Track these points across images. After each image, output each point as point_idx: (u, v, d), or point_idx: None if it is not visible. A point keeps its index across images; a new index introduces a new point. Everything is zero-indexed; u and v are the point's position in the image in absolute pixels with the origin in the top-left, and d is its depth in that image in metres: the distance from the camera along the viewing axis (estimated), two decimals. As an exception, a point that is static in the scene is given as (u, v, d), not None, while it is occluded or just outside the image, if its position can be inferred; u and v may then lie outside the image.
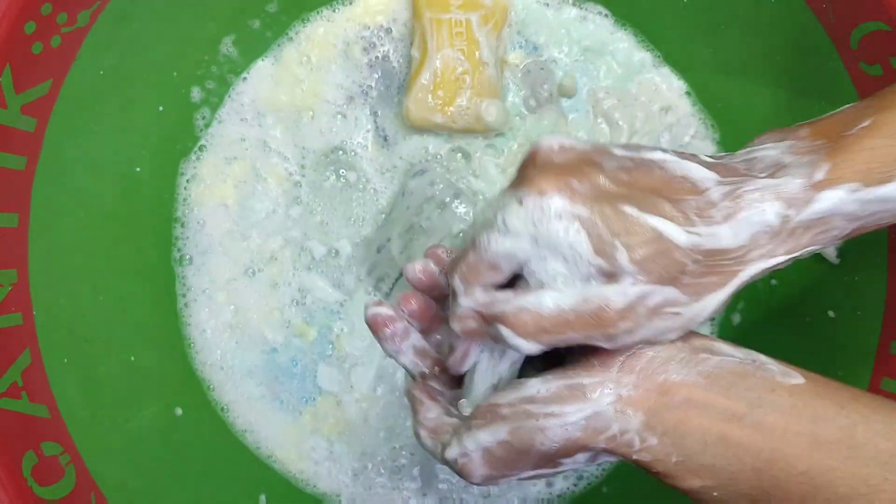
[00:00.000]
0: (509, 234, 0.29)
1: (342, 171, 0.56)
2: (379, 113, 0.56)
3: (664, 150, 0.31)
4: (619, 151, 0.31)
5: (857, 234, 0.31)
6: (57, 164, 0.45)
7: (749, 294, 0.54)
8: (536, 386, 0.31)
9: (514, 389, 0.31)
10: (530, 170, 0.30)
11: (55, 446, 0.43)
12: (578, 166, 0.30)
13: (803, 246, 0.30)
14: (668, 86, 0.56)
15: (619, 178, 0.30)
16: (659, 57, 0.56)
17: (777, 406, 0.29)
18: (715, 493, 0.29)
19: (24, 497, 0.40)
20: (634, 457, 0.30)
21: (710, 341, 0.31)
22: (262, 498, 0.53)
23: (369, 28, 0.57)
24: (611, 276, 0.29)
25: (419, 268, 0.37)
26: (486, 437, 0.31)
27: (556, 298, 0.29)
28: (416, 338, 0.37)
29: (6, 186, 0.43)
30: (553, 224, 0.29)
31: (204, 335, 0.55)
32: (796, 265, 0.51)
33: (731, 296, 0.30)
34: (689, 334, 0.31)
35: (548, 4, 0.57)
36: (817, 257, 0.49)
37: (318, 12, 0.57)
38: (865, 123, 0.30)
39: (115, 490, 0.45)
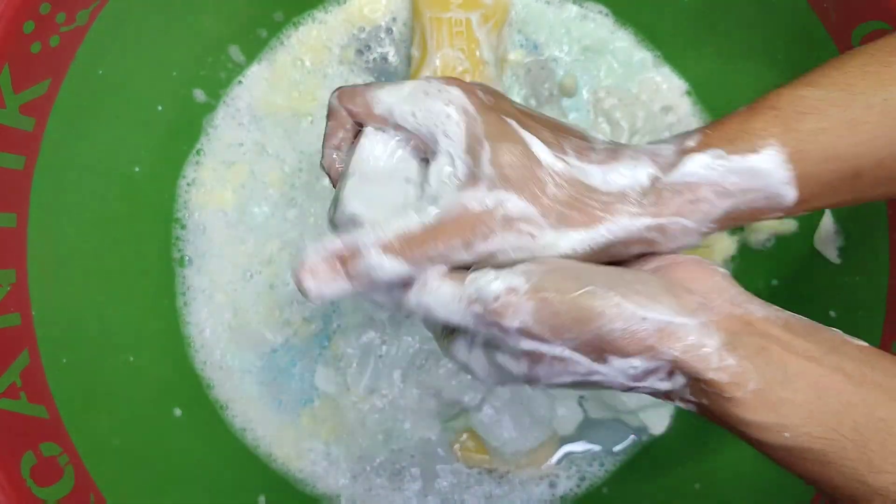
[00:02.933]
0: (399, 94, 0.31)
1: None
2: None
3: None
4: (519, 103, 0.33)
5: (732, 221, 0.31)
6: (56, 164, 0.45)
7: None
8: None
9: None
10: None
11: (54, 447, 0.43)
12: (490, 91, 0.32)
13: (672, 212, 0.30)
14: (668, 85, 0.56)
15: (520, 109, 0.32)
16: (659, 56, 0.56)
17: (851, 356, 0.28)
18: (786, 434, 0.27)
19: (23, 497, 0.40)
20: (710, 375, 0.27)
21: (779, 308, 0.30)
22: (262, 499, 0.53)
23: (365, 29, 0.56)
24: (473, 178, 0.29)
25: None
26: (551, 280, 0.28)
27: (419, 211, 0.30)
28: None
29: (5, 186, 0.43)
30: (440, 105, 0.30)
31: (203, 335, 0.55)
32: (797, 265, 0.51)
33: (595, 246, 0.30)
34: (760, 301, 0.30)
35: (548, 3, 0.56)
36: (818, 257, 0.49)
37: (308, 14, 0.56)
38: (744, 107, 0.31)
39: (114, 490, 0.45)
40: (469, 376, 0.54)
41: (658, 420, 0.54)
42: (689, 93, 0.56)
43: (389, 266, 0.29)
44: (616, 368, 0.28)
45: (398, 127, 0.32)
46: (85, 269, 0.49)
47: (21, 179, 0.44)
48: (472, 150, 0.30)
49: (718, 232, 0.31)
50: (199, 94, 0.55)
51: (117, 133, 0.50)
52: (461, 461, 0.55)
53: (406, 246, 0.29)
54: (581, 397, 0.55)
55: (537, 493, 0.55)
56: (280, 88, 0.56)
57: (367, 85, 0.33)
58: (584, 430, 0.55)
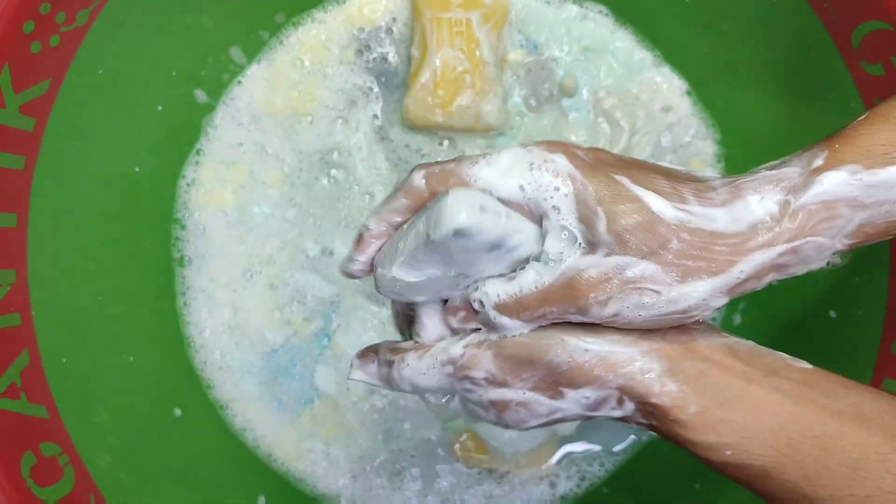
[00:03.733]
0: (498, 167, 0.30)
1: (334, 171, 0.56)
2: (379, 114, 0.56)
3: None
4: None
5: (865, 235, 0.30)
6: (56, 164, 0.45)
7: (749, 294, 0.54)
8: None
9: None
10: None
11: (54, 447, 0.43)
12: (589, 148, 0.31)
13: (807, 234, 0.29)
14: (668, 85, 0.56)
15: (624, 160, 0.30)
16: (659, 56, 0.56)
17: (791, 377, 0.29)
18: (728, 453, 0.29)
19: (23, 497, 0.40)
20: (653, 399, 0.29)
21: (727, 334, 0.31)
22: (262, 499, 0.53)
23: (365, 29, 0.56)
24: (591, 245, 0.29)
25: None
26: (508, 324, 0.30)
27: (535, 273, 0.30)
28: None
29: (4, 186, 0.43)
30: (548, 178, 0.29)
31: (203, 335, 0.55)
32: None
33: (726, 291, 0.29)
34: (708, 326, 0.31)
35: (548, 3, 0.56)
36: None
37: (308, 14, 0.56)
38: (862, 117, 0.30)
39: (113, 490, 0.45)
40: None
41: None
42: (689, 93, 0.56)
43: (510, 324, 0.30)
44: (572, 401, 0.30)
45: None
46: (85, 269, 0.49)
47: (21, 179, 0.44)
48: (586, 219, 0.29)
49: (847, 251, 0.30)
50: (200, 95, 0.55)
51: (117, 133, 0.50)
52: (461, 461, 0.55)
53: (520, 307, 0.30)
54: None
55: (537, 493, 0.55)
56: (280, 89, 0.56)
57: (456, 162, 0.31)
58: (584, 430, 0.55)
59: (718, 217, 0.29)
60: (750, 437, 0.29)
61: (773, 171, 0.29)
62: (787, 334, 0.50)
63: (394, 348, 0.33)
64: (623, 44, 0.56)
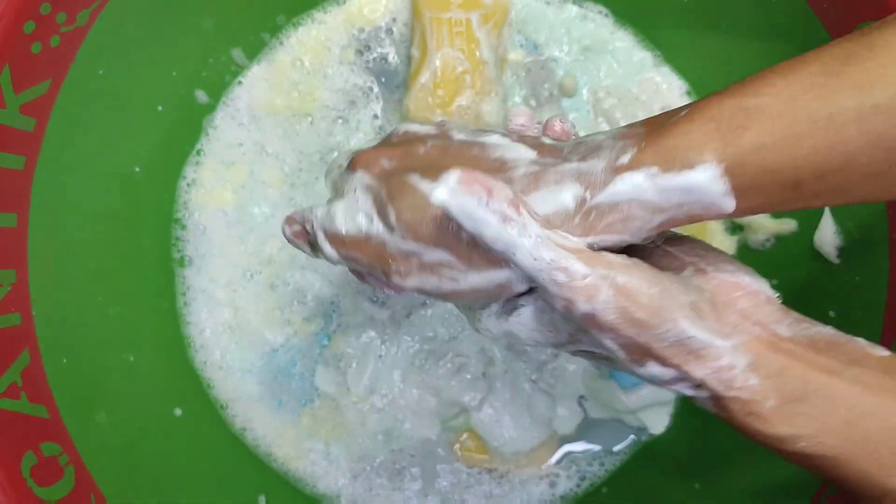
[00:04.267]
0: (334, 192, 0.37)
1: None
2: (379, 114, 0.56)
3: (502, 135, 0.33)
4: (459, 136, 0.34)
5: (672, 226, 0.30)
6: (56, 164, 0.45)
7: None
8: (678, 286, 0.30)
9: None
10: (375, 145, 0.36)
11: (54, 446, 0.43)
12: (403, 146, 0.34)
13: (598, 233, 0.29)
14: (668, 85, 0.56)
15: (429, 155, 0.33)
16: (659, 56, 0.56)
17: (871, 367, 0.29)
18: (801, 444, 0.29)
19: (23, 497, 0.40)
20: (732, 393, 0.29)
21: (803, 316, 0.31)
22: (262, 498, 0.53)
23: (365, 30, 0.56)
24: (391, 230, 0.32)
25: None
26: (634, 283, 0.28)
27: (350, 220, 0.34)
28: None
29: (5, 186, 0.43)
30: (355, 191, 0.34)
31: (203, 335, 0.55)
32: (797, 265, 0.51)
33: (524, 275, 0.29)
34: (788, 313, 0.31)
35: (548, 3, 0.56)
36: (817, 257, 0.49)
37: (308, 14, 0.56)
38: (683, 113, 0.29)
39: (114, 490, 0.45)
40: (469, 376, 0.54)
41: (658, 420, 0.54)
42: (689, 93, 0.56)
43: (328, 252, 0.35)
44: (649, 372, 0.30)
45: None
46: (85, 269, 0.49)
47: (21, 179, 0.44)
48: (382, 214, 0.33)
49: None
50: (200, 95, 0.55)
51: (117, 133, 0.50)
52: (461, 461, 0.55)
53: (338, 241, 0.35)
54: (581, 397, 0.55)
55: (537, 492, 0.55)
56: (280, 89, 0.56)
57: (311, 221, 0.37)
58: (584, 429, 0.55)
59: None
60: (825, 429, 0.29)
61: (578, 164, 0.30)
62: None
63: (517, 204, 0.29)
64: (623, 44, 0.56)
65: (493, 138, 0.33)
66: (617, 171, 0.29)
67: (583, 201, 0.29)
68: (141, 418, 0.50)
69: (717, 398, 0.30)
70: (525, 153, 0.31)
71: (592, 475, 0.55)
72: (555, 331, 0.31)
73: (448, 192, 0.28)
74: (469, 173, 0.28)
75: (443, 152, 0.33)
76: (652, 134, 0.29)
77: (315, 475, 0.55)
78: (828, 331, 0.31)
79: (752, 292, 0.31)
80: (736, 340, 0.29)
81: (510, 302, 0.32)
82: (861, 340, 0.31)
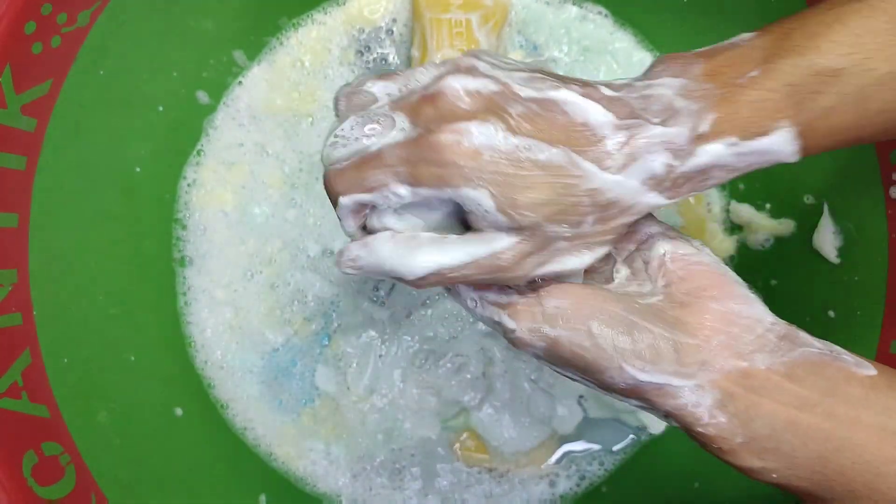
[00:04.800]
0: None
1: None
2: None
3: (569, 86, 0.31)
4: (525, 92, 0.31)
5: (735, 176, 0.31)
6: (57, 164, 0.45)
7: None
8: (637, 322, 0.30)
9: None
10: (430, 111, 0.30)
11: (55, 446, 0.43)
12: (482, 116, 0.29)
13: (682, 194, 0.31)
14: (668, 85, 0.56)
15: (521, 129, 0.30)
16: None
17: (850, 396, 0.29)
18: (774, 476, 0.30)
19: (24, 497, 0.40)
20: (698, 429, 0.30)
21: (796, 330, 0.31)
22: (262, 498, 0.53)
23: (365, 30, 0.56)
24: (511, 229, 0.30)
25: None
26: (565, 335, 0.30)
27: (454, 248, 0.30)
28: None
29: (6, 186, 0.43)
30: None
31: (204, 335, 0.55)
32: (796, 265, 0.51)
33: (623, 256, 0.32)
34: (783, 322, 0.31)
35: (548, 4, 0.57)
36: (817, 257, 0.49)
37: (308, 15, 0.56)
38: (755, 73, 0.30)
39: (115, 489, 0.45)
40: (469, 376, 0.54)
41: (658, 420, 0.54)
42: (688, 93, 0.56)
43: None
44: (617, 397, 0.31)
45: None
46: (86, 269, 0.49)
47: (22, 180, 0.44)
48: (504, 212, 0.30)
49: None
50: (201, 96, 0.55)
51: (118, 133, 0.50)
52: (461, 461, 0.55)
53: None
54: (581, 396, 0.55)
55: (537, 492, 0.55)
56: (280, 89, 0.56)
57: None
58: (584, 429, 0.55)
59: (610, 185, 0.30)
60: (797, 464, 0.29)
61: (663, 130, 0.30)
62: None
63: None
64: (622, 44, 0.56)
65: (563, 94, 0.31)
66: (699, 140, 0.30)
67: (671, 169, 0.30)
68: (141, 418, 0.50)
69: (685, 430, 0.30)
70: (601, 115, 0.30)
71: (592, 475, 0.55)
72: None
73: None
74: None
75: (534, 123, 0.30)
76: (725, 100, 0.30)
77: (315, 475, 0.55)
78: (814, 350, 0.30)
79: (740, 322, 0.30)
80: (700, 379, 0.29)
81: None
82: (849, 358, 0.30)
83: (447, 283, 0.30)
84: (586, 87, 0.31)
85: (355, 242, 0.31)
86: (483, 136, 0.28)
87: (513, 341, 0.31)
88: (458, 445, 0.55)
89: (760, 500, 0.48)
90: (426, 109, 0.30)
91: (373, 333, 0.55)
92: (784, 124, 0.29)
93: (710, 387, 0.29)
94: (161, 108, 0.53)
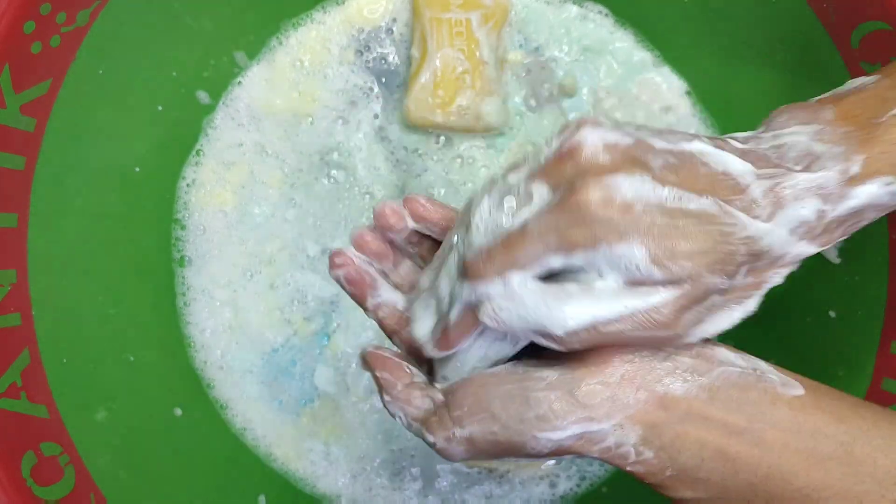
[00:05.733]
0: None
1: (334, 171, 0.56)
2: (379, 114, 0.56)
3: (699, 138, 0.30)
4: (658, 144, 0.29)
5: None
6: (56, 164, 0.45)
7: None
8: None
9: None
10: (570, 169, 0.28)
11: (54, 447, 0.43)
12: (627, 168, 0.28)
13: (836, 238, 0.30)
14: (668, 85, 0.56)
15: (667, 180, 0.28)
16: (659, 56, 0.56)
17: (777, 420, 0.29)
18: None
19: (23, 497, 0.40)
20: (628, 468, 0.30)
21: (713, 347, 0.30)
22: (262, 498, 0.53)
23: (364, 30, 0.56)
24: (667, 282, 0.28)
25: (389, 210, 0.36)
26: (475, 429, 0.30)
27: (609, 305, 0.28)
28: (386, 289, 0.38)
29: (5, 186, 0.43)
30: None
31: (203, 335, 0.55)
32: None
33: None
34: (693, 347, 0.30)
35: (548, 3, 0.56)
36: (818, 257, 0.49)
37: (307, 15, 0.56)
38: (894, 111, 0.30)
39: (114, 490, 0.45)
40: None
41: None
42: (689, 93, 0.56)
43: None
44: (552, 458, 0.32)
45: None
46: (85, 269, 0.49)
47: (22, 179, 0.44)
48: (657, 261, 0.28)
49: None
50: (200, 96, 0.55)
51: (117, 133, 0.50)
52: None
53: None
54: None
55: (537, 492, 0.55)
56: (279, 89, 0.56)
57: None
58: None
59: (762, 235, 0.29)
60: (729, 491, 0.29)
61: (811, 176, 0.29)
62: (788, 334, 0.50)
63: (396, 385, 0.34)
64: (623, 44, 0.56)
65: (697, 145, 0.29)
66: (852, 181, 0.29)
67: (823, 214, 0.29)
68: (141, 418, 0.50)
69: (619, 468, 0.30)
70: (740, 164, 0.29)
71: (592, 475, 0.55)
72: None
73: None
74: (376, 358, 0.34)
75: (678, 175, 0.28)
76: (871, 140, 0.29)
77: (315, 475, 0.55)
78: (734, 370, 0.30)
79: (627, 364, 0.29)
80: (617, 418, 0.29)
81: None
82: (774, 377, 0.30)
83: (601, 340, 0.28)
84: (715, 139, 0.30)
85: (496, 290, 0.29)
86: (633, 188, 0.27)
87: (440, 454, 0.31)
88: (457, 446, 0.55)
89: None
90: (565, 168, 0.28)
91: (371, 333, 0.55)
92: None
93: (629, 424, 0.29)
94: (160, 108, 0.53)
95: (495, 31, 0.54)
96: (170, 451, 0.51)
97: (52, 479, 0.42)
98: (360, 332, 0.55)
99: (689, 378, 0.29)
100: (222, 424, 0.55)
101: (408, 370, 0.33)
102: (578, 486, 0.55)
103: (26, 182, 0.44)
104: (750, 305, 0.30)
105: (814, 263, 0.49)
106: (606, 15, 0.56)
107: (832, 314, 0.48)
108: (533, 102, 0.56)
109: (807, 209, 0.29)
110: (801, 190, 0.29)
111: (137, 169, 0.52)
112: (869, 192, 0.29)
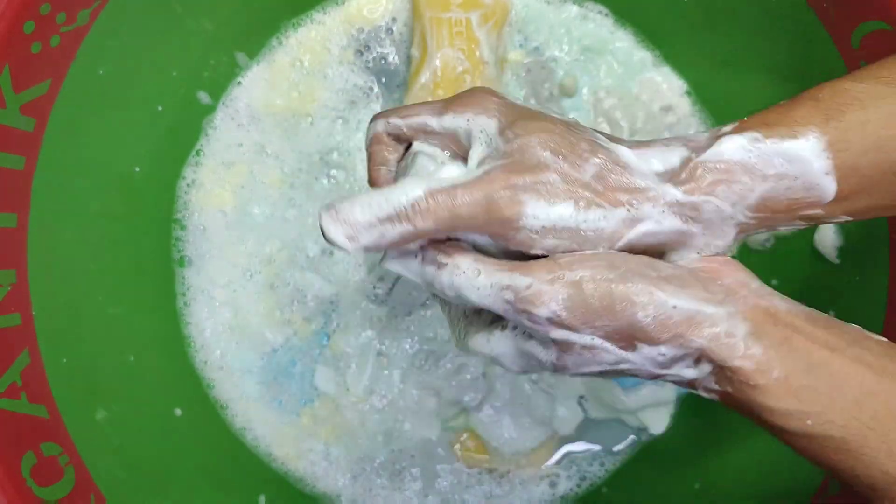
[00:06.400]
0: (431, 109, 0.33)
1: (334, 171, 0.56)
2: (379, 112, 0.56)
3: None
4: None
5: (769, 211, 0.30)
6: (56, 164, 0.45)
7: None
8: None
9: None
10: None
11: (54, 447, 0.43)
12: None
13: (703, 191, 0.29)
14: (668, 85, 0.56)
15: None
16: (659, 56, 0.56)
17: (872, 349, 0.29)
18: (808, 422, 0.28)
19: (23, 497, 0.40)
20: (735, 362, 0.28)
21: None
22: (262, 498, 0.53)
23: (364, 30, 0.56)
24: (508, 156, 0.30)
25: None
26: (587, 273, 0.28)
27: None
28: None
29: (5, 186, 0.43)
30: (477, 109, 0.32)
31: (203, 335, 0.55)
32: (797, 265, 0.51)
33: (625, 228, 0.29)
34: (777, 294, 0.30)
35: (548, 3, 0.56)
36: (818, 257, 0.49)
37: (307, 15, 0.56)
38: (785, 101, 0.31)
39: (114, 490, 0.45)
40: (469, 376, 0.54)
41: (658, 420, 0.54)
42: (688, 93, 0.56)
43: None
44: (644, 356, 0.29)
45: (440, 136, 0.32)
46: (85, 269, 0.49)
47: (21, 179, 0.44)
48: (504, 133, 0.30)
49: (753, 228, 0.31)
50: (200, 96, 0.55)
51: (117, 133, 0.50)
52: (461, 461, 0.55)
53: (436, 196, 0.29)
54: (581, 397, 0.55)
55: (537, 492, 0.55)
56: (279, 89, 0.56)
57: (402, 108, 0.34)
58: (584, 429, 0.55)
59: (626, 155, 0.29)
60: (833, 407, 0.28)
61: (687, 135, 0.31)
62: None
63: (446, 251, 0.30)
64: (623, 44, 0.56)
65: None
66: (719, 136, 0.30)
67: (688, 160, 0.29)
68: (141, 418, 0.50)
69: (719, 370, 0.28)
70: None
71: (592, 475, 0.55)
72: (536, 360, 0.30)
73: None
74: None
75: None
76: (754, 115, 0.30)
77: (315, 475, 0.55)
78: (822, 313, 0.30)
79: (736, 267, 0.30)
80: (731, 308, 0.28)
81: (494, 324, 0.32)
82: (858, 326, 0.30)
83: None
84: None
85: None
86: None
87: (526, 301, 0.28)
88: (458, 446, 0.55)
89: (760, 500, 0.48)
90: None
91: (372, 333, 0.55)
92: (812, 129, 0.29)
93: (741, 317, 0.28)
94: (160, 108, 0.53)
95: (495, 31, 0.54)
96: (170, 451, 0.51)
97: (52, 479, 0.42)
98: (360, 332, 0.55)
99: (789, 302, 0.30)
100: (222, 424, 0.55)
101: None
102: (578, 486, 0.55)
103: (26, 182, 0.44)
104: (604, 222, 0.29)
105: (814, 263, 0.49)
106: (606, 15, 0.56)
107: (832, 314, 0.47)
108: (533, 102, 0.56)
109: (673, 154, 0.30)
110: (671, 141, 0.30)
111: (137, 169, 0.52)
112: (735, 143, 0.29)
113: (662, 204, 0.29)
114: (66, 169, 0.46)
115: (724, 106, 0.55)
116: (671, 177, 0.29)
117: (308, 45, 0.56)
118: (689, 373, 0.29)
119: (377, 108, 0.56)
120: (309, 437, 0.55)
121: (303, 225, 0.56)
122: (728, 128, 0.30)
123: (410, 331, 0.55)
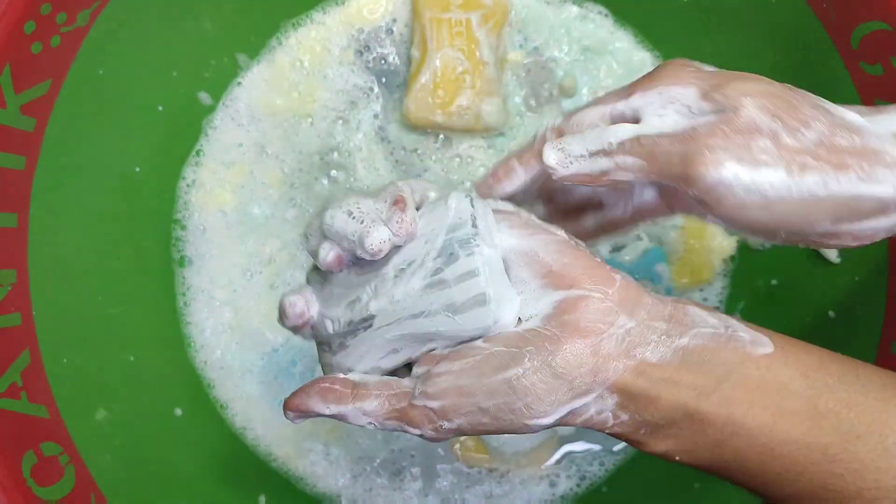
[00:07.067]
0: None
1: (334, 171, 0.56)
2: (379, 114, 0.56)
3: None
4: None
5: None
6: (56, 164, 0.45)
7: (749, 294, 0.54)
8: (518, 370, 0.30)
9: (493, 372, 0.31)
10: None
11: (54, 446, 0.43)
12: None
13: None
14: (668, 85, 0.56)
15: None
16: (659, 56, 0.56)
17: (745, 380, 0.29)
18: (677, 458, 0.31)
19: (23, 497, 0.40)
20: (607, 431, 0.31)
21: (685, 308, 0.31)
22: (262, 498, 0.53)
23: (364, 30, 0.56)
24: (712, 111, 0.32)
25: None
26: (463, 421, 0.31)
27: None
28: None
29: (6, 186, 0.43)
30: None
31: (203, 335, 0.55)
32: (797, 265, 0.51)
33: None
34: (668, 300, 0.31)
35: (548, 3, 0.56)
36: (817, 257, 0.49)
37: (307, 15, 0.56)
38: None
39: (114, 490, 0.45)
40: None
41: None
42: (688, 93, 0.56)
43: None
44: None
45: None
46: (85, 269, 0.49)
47: (22, 179, 0.44)
48: (709, 96, 0.32)
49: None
50: (200, 96, 0.55)
51: (118, 133, 0.50)
52: (461, 461, 0.55)
53: (641, 140, 0.32)
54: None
55: (537, 492, 0.55)
56: (279, 89, 0.56)
57: None
58: (584, 429, 0.55)
59: (854, 117, 0.29)
60: (697, 448, 0.30)
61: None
62: (787, 334, 0.50)
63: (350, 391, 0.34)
64: (623, 44, 0.56)
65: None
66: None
67: None
68: (141, 418, 0.50)
69: (599, 431, 0.31)
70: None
71: (592, 475, 0.55)
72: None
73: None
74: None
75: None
76: None
77: (315, 475, 0.55)
78: (707, 330, 0.30)
79: (610, 312, 0.30)
80: (598, 390, 0.30)
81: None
82: (744, 335, 0.30)
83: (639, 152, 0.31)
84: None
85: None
86: None
87: (431, 441, 0.32)
88: (458, 446, 0.55)
89: (760, 500, 0.48)
90: None
91: (372, 333, 0.55)
92: None
93: (608, 392, 0.30)
94: (160, 108, 0.53)
95: (495, 31, 0.54)
96: (169, 451, 0.51)
97: (52, 479, 0.42)
98: (360, 332, 0.55)
99: (663, 344, 0.30)
100: (222, 424, 0.55)
101: (341, 377, 0.35)
102: (578, 486, 0.55)
103: (26, 182, 0.44)
104: (822, 189, 0.28)
105: (814, 263, 0.49)
106: (606, 15, 0.56)
107: (832, 314, 0.48)
108: (533, 102, 0.56)
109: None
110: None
111: (137, 169, 0.52)
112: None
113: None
114: (67, 169, 0.46)
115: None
116: None
117: (308, 45, 0.57)
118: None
119: (377, 108, 0.56)
120: (309, 437, 0.55)
121: (303, 225, 0.56)
122: None
123: (410, 331, 0.55)
